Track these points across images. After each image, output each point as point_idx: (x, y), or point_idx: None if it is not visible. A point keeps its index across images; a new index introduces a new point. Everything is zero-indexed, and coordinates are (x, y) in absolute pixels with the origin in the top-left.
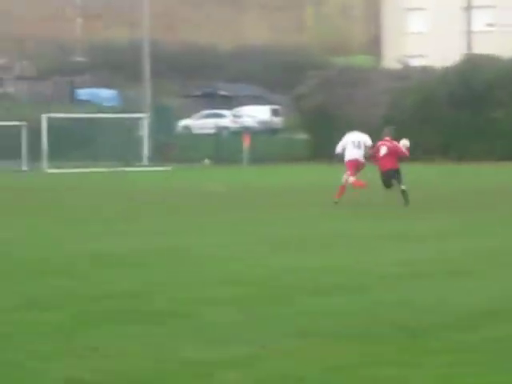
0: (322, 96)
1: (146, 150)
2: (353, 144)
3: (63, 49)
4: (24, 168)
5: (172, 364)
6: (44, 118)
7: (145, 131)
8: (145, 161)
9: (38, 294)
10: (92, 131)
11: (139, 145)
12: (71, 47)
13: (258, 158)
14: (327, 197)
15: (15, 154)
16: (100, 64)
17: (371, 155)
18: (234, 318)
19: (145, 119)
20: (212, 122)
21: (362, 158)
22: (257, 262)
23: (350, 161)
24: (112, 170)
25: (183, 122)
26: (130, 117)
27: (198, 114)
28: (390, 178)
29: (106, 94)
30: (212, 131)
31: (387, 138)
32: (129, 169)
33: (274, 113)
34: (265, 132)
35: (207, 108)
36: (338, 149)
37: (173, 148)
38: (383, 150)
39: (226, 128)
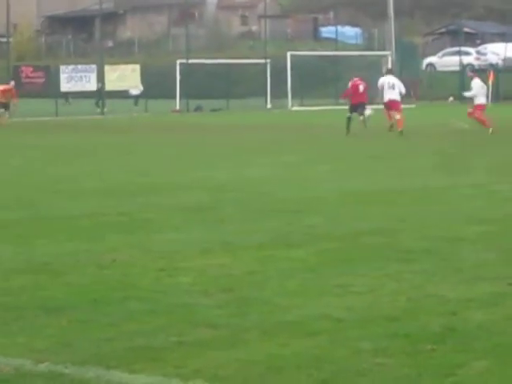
0: None
1: None
2: None
3: None
4: (268, 106)
5: (423, 301)
6: (288, 55)
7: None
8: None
9: (285, 231)
10: (335, 69)
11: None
12: None
13: (502, 96)
14: None
15: (259, 92)
16: (344, 2)
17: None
18: (481, 255)
19: (389, 57)
20: (456, 59)
21: None
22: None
23: None
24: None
25: (427, 60)
26: (374, 54)
27: (443, 52)
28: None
29: (349, 31)
30: (456, 69)
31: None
32: (372, 106)
33: None
34: (510, 70)
35: (452, 45)
36: None
37: (417, 86)
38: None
39: (470, 65)
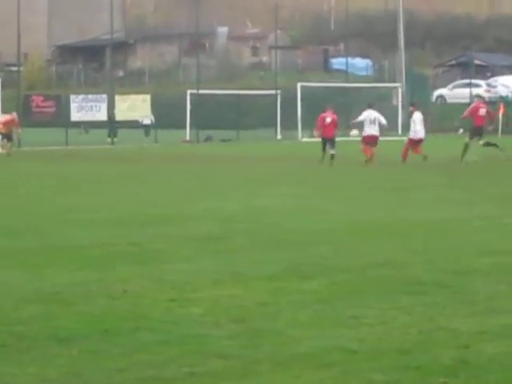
0: None
1: (400, 120)
2: None
3: (318, 18)
4: (278, 137)
5: (435, 334)
6: (298, 86)
7: (399, 101)
8: (399, 130)
9: (297, 262)
10: (346, 100)
11: (394, 114)
12: (326, 16)
13: None
14: None
15: (269, 123)
16: (354, 33)
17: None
18: (493, 287)
19: (399, 88)
20: (466, 91)
21: None
22: (510, 234)
23: None
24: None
25: (438, 92)
26: (384, 86)
27: (453, 84)
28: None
29: (360, 63)
30: (467, 101)
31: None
32: (382, 138)
33: None
34: None
35: (462, 78)
36: None
37: (428, 118)
38: (328, 120)
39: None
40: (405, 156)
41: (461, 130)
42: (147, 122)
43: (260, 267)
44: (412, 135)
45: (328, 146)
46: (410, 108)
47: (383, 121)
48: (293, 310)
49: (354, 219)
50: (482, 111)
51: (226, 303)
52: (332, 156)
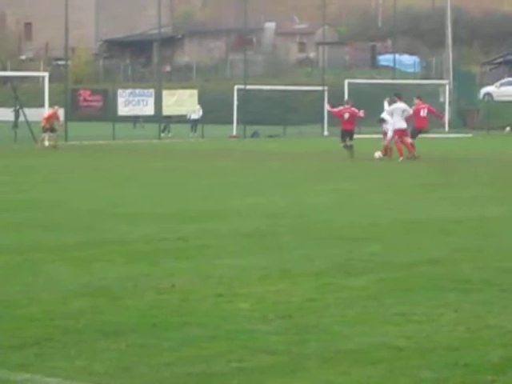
0: None
1: (447, 117)
2: None
3: (365, 15)
4: (325, 133)
5: (483, 332)
6: (346, 83)
7: (446, 98)
8: (446, 127)
9: (344, 258)
10: (393, 97)
11: (441, 111)
12: (373, 13)
13: None
14: None
15: (316, 119)
16: (402, 30)
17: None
18: None
19: (446, 86)
20: None
21: None
22: None
23: None
24: None
25: (485, 90)
26: (431, 83)
27: (500, 82)
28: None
29: (407, 60)
30: None
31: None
32: (429, 135)
33: None
34: None
35: (509, 75)
36: None
37: (475, 115)
38: (346, 116)
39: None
40: (411, 150)
41: (507, 129)
42: (195, 116)
43: (307, 263)
44: (395, 127)
45: (347, 139)
46: (396, 98)
47: (410, 111)
48: (340, 306)
49: (402, 216)
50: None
51: (274, 299)
52: (351, 146)
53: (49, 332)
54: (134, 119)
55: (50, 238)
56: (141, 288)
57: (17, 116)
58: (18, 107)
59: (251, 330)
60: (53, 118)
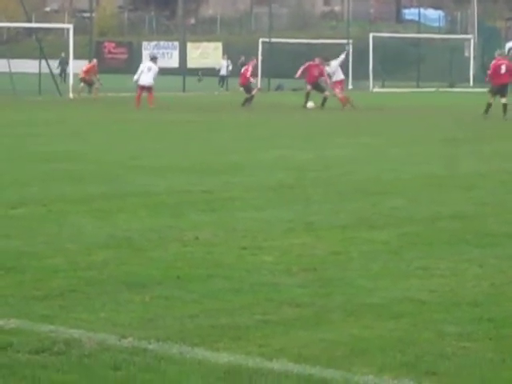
0: None
1: (471, 72)
2: None
3: None
4: (350, 86)
5: (507, 287)
6: (370, 36)
7: (471, 53)
8: (470, 82)
9: (368, 212)
10: (417, 51)
11: (465, 66)
12: None
13: None
14: None
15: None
16: None
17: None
18: None
19: (471, 40)
20: None
21: None
22: None
23: None
24: (437, 90)
25: (509, 44)
26: (456, 38)
27: None
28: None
29: (432, 14)
30: None
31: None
32: (454, 89)
33: None
34: None
35: None
36: None
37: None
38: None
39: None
40: (343, 101)
41: None
42: (223, 72)
43: (331, 217)
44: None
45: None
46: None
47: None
48: (364, 260)
49: (425, 170)
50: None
51: (298, 252)
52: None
53: (73, 283)
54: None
55: (75, 190)
56: (165, 240)
57: (63, 69)
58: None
59: (275, 282)
60: (91, 71)
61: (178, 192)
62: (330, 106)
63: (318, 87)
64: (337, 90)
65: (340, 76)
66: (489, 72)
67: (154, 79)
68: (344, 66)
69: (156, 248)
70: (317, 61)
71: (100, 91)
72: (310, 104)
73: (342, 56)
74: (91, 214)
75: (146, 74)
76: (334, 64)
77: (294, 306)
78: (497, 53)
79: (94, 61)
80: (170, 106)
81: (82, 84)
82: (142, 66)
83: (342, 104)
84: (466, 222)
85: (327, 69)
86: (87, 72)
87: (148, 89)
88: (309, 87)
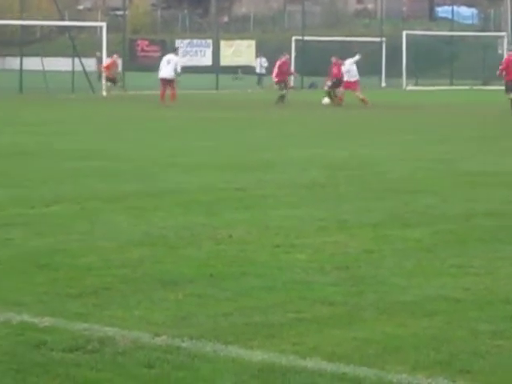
0: None
1: None
2: None
3: None
4: (383, 84)
5: None
6: (404, 34)
7: (504, 50)
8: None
9: (401, 210)
10: (450, 49)
11: (498, 63)
12: None
13: None
14: None
15: (374, 71)
16: None
17: None
18: None
19: (504, 38)
20: None
21: None
22: None
23: None
24: (471, 88)
25: None
26: (489, 35)
27: None
28: None
29: (465, 11)
30: None
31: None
32: (488, 87)
33: None
34: None
35: None
36: None
37: None
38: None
39: None
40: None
41: None
42: (261, 71)
43: (364, 215)
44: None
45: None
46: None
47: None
48: (396, 258)
49: (459, 168)
50: None
51: (331, 250)
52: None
53: (107, 281)
54: (234, 71)
55: (108, 187)
56: (198, 238)
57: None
58: (99, 56)
59: (308, 280)
60: (112, 67)
61: (212, 190)
62: (362, 104)
63: (336, 85)
64: (357, 92)
65: (354, 76)
66: (501, 67)
67: (176, 71)
68: (378, 65)
69: (190, 246)
70: (333, 59)
71: (126, 89)
72: (326, 100)
73: (357, 56)
74: (125, 212)
75: (165, 66)
76: (349, 63)
77: (326, 305)
78: (510, 48)
79: (115, 56)
80: (203, 103)
81: (108, 83)
82: (163, 59)
83: (365, 103)
84: (500, 219)
85: (342, 68)
86: (108, 68)
87: (169, 82)
88: (329, 84)
